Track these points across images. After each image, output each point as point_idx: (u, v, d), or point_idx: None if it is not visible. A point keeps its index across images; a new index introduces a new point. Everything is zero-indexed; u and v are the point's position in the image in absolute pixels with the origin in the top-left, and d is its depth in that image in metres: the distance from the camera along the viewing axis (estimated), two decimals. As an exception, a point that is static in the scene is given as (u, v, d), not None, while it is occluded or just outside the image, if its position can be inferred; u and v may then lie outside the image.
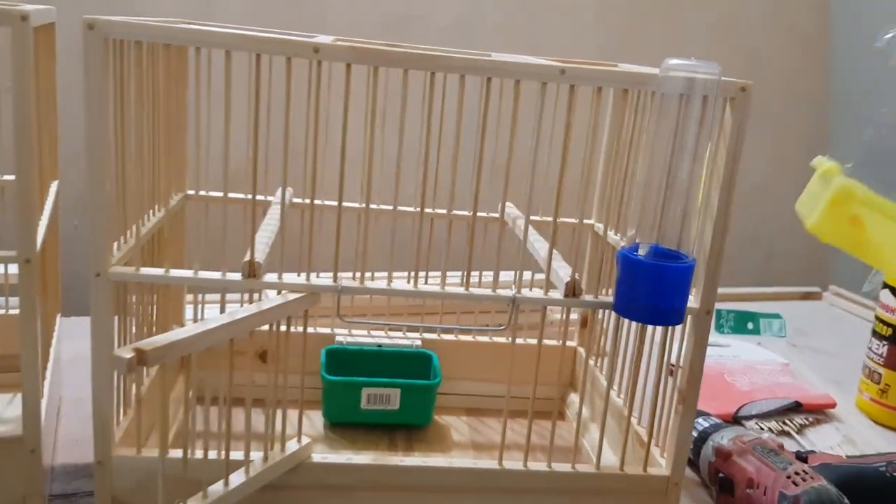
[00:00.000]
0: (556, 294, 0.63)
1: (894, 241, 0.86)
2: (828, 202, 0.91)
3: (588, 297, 0.63)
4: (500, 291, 0.62)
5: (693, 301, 0.63)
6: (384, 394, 0.81)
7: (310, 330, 0.67)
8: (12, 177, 0.58)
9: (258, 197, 0.78)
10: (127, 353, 0.46)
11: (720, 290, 1.38)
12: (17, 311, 0.78)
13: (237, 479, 0.58)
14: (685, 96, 0.56)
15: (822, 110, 1.79)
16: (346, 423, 0.83)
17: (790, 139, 1.73)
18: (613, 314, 0.73)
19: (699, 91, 0.56)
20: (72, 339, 0.87)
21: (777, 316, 1.26)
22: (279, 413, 0.68)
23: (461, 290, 0.62)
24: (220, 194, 0.80)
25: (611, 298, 0.62)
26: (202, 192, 0.80)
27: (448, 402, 0.89)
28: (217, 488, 0.56)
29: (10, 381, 0.80)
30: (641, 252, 0.59)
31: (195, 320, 0.68)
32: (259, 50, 0.54)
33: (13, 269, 0.90)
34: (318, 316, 0.90)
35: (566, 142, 0.61)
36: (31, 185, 0.57)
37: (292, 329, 0.60)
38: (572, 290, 0.62)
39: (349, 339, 0.87)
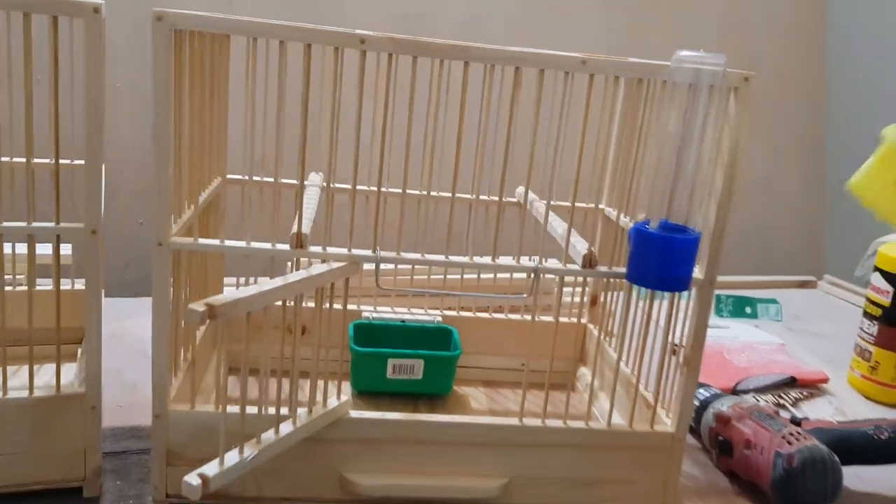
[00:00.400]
0: (574, 266, 0.69)
1: None
2: (875, 160, 0.85)
3: (603, 268, 0.69)
4: (523, 261, 0.68)
5: (698, 272, 0.69)
6: (408, 364, 0.87)
7: (338, 307, 0.73)
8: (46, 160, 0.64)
9: (291, 181, 0.84)
10: (200, 307, 0.52)
11: (721, 279, 1.45)
12: (50, 287, 0.84)
13: (286, 429, 0.63)
14: (693, 86, 0.63)
15: (820, 109, 1.85)
16: (373, 392, 0.89)
17: (789, 137, 1.80)
18: (621, 295, 0.80)
19: (706, 81, 0.62)
20: (106, 319, 0.92)
21: (774, 301, 1.32)
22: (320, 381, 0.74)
23: (488, 260, 0.68)
24: (258, 178, 0.86)
25: (624, 270, 0.68)
26: (244, 177, 0.86)
27: (467, 374, 0.95)
28: (269, 436, 0.62)
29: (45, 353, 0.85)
30: (652, 226, 0.65)
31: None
32: (310, 40, 0.60)
33: (65, 249, 0.96)
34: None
35: (584, 129, 0.67)
36: (97, 165, 0.63)
37: (325, 307, 0.65)
38: (589, 262, 0.68)
39: (375, 315, 0.93)
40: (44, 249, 0.90)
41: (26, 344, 0.65)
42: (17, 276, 0.93)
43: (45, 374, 0.82)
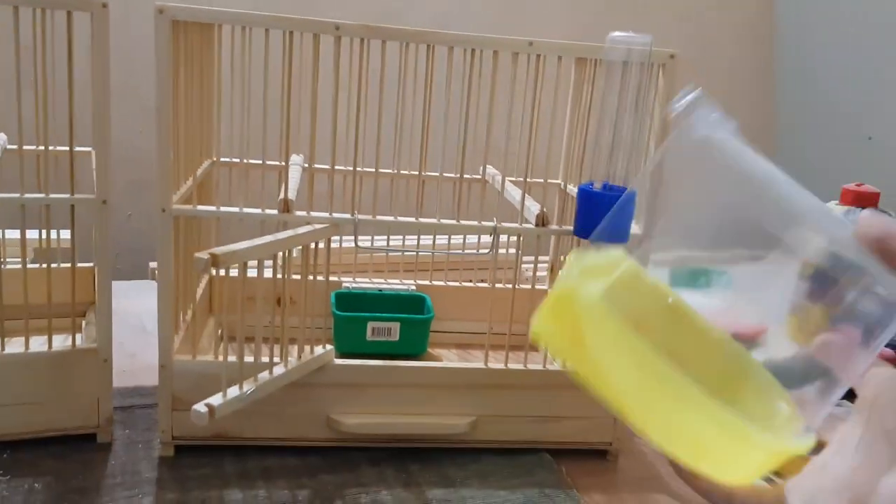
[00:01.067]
0: (529, 225, 0.78)
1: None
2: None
3: (554, 227, 0.78)
4: (484, 223, 0.77)
5: (636, 227, 0.79)
6: (386, 327, 0.96)
7: (319, 278, 0.81)
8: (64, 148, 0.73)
9: (274, 162, 0.93)
10: (204, 256, 0.61)
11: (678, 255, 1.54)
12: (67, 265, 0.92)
13: (278, 370, 0.72)
14: (626, 63, 0.72)
15: (767, 95, 1.96)
16: (354, 353, 0.97)
17: (737, 122, 1.90)
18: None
19: (637, 59, 0.72)
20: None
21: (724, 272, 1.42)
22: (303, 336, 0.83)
23: (453, 222, 0.77)
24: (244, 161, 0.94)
25: (570, 228, 0.78)
26: (230, 160, 0.95)
27: (439, 338, 1.04)
28: (264, 375, 0.71)
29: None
30: (596, 187, 0.75)
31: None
32: (292, 28, 0.69)
33: (65, 234, 1.04)
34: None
35: (534, 107, 0.76)
36: (106, 145, 0.72)
37: (310, 278, 0.74)
38: (542, 221, 0.77)
39: (354, 285, 1.02)
40: (33, 235, 0.98)
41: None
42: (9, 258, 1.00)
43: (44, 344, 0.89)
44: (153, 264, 1.26)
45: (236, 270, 0.68)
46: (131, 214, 1.45)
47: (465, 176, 1.00)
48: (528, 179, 0.80)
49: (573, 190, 0.94)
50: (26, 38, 0.69)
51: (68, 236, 1.03)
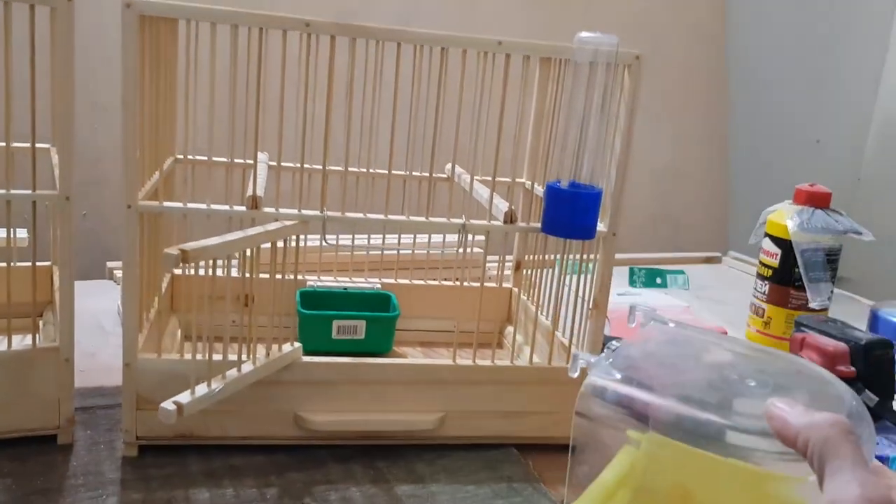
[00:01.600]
0: (497, 222, 0.79)
1: None
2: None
3: (522, 224, 0.79)
4: (453, 220, 0.78)
5: (602, 226, 0.80)
6: (352, 325, 0.96)
7: (289, 277, 0.81)
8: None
9: (238, 160, 0.92)
10: (174, 251, 0.60)
11: (635, 256, 1.57)
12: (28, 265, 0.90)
13: (246, 368, 0.72)
14: (593, 63, 0.73)
15: (721, 99, 2.00)
16: (320, 351, 0.97)
17: (693, 127, 1.94)
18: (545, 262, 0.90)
19: (603, 59, 0.73)
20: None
21: (681, 272, 1.45)
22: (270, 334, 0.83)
23: (422, 219, 0.78)
24: (205, 158, 0.93)
25: (537, 225, 0.78)
26: (191, 157, 0.94)
27: (402, 336, 1.04)
28: (232, 373, 0.70)
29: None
30: (563, 185, 0.75)
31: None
32: (261, 24, 0.69)
33: (22, 233, 1.02)
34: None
35: (502, 105, 0.77)
36: (69, 140, 0.71)
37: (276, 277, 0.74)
38: (510, 218, 0.78)
39: (318, 283, 1.02)
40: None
41: None
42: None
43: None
44: (111, 264, 1.24)
45: (201, 269, 0.67)
46: (86, 213, 1.43)
47: (432, 175, 1.01)
48: (494, 179, 0.80)
49: (538, 189, 0.95)
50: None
51: (22, 234, 1.02)
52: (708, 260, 1.68)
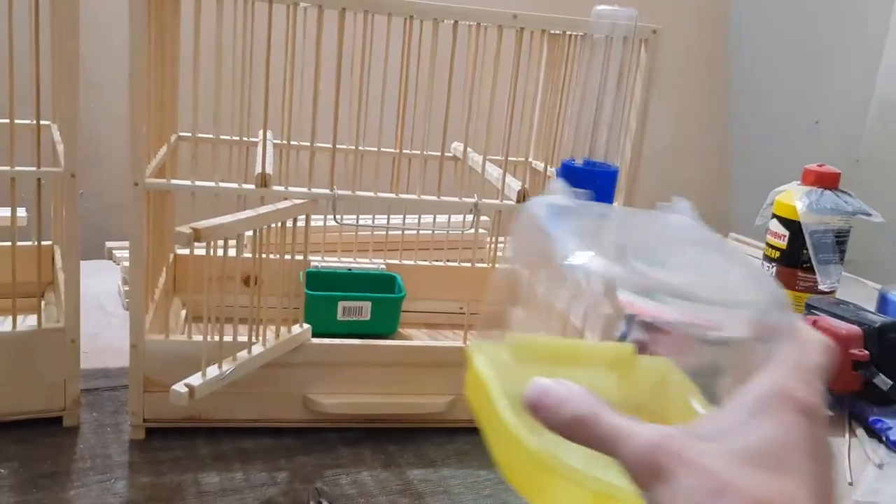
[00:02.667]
0: (509, 202, 0.77)
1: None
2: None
3: (535, 203, 0.77)
4: (465, 199, 0.76)
5: (617, 202, 0.79)
6: (357, 306, 0.94)
7: (287, 257, 0.79)
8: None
9: (243, 138, 0.90)
10: (186, 230, 0.58)
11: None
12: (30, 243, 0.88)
13: (257, 349, 0.70)
14: (609, 38, 0.72)
15: (721, 77, 1.99)
16: (325, 333, 0.95)
17: (693, 106, 1.93)
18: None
19: (621, 33, 0.72)
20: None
21: (685, 253, 1.44)
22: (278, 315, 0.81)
23: (434, 198, 0.76)
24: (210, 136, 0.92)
25: (553, 205, 0.77)
26: (195, 134, 0.92)
27: (410, 318, 1.03)
28: (242, 355, 0.69)
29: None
30: (577, 163, 0.74)
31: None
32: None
33: (21, 212, 1.00)
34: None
35: (514, 81, 0.75)
36: (74, 117, 0.69)
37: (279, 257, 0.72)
38: (522, 196, 0.76)
39: (323, 264, 1.00)
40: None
41: None
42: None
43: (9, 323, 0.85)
44: (110, 244, 1.22)
45: (203, 249, 0.65)
46: (83, 192, 1.40)
47: (438, 153, 1.00)
48: (506, 157, 0.79)
49: (540, 165, 0.94)
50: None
51: (21, 213, 1.00)
52: (710, 241, 1.68)
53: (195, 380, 0.64)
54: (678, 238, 0.48)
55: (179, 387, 0.62)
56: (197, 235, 0.59)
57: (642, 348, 0.47)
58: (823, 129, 1.97)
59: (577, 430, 0.38)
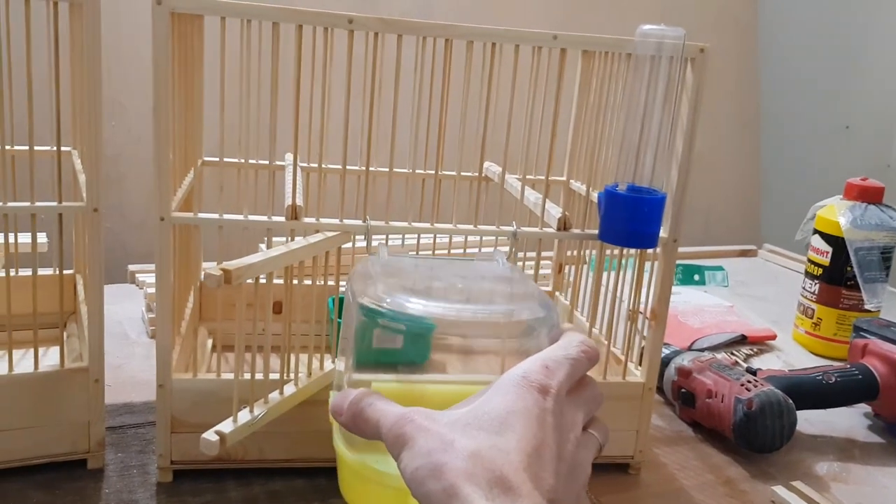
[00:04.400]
0: (550, 229, 0.74)
1: None
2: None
3: (577, 231, 0.74)
4: (503, 227, 0.73)
5: (662, 231, 0.75)
6: (391, 336, 0.91)
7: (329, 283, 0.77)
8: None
9: (265, 162, 0.87)
10: (216, 272, 0.55)
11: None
12: (50, 272, 0.86)
13: (289, 390, 0.67)
14: (655, 57, 0.68)
15: (753, 86, 1.94)
16: (356, 361, 0.92)
17: (724, 115, 1.88)
18: (575, 265, 0.86)
19: (667, 53, 0.68)
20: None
21: (720, 268, 1.40)
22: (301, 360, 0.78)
23: (470, 226, 0.73)
24: (234, 160, 0.89)
25: (594, 232, 0.73)
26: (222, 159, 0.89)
27: (441, 343, 0.99)
28: (274, 396, 0.66)
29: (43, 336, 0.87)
30: (621, 189, 0.70)
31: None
32: (302, 21, 0.64)
33: (41, 237, 0.97)
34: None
35: (557, 103, 0.72)
36: (98, 148, 0.66)
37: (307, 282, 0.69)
38: (563, 225, 0.73)
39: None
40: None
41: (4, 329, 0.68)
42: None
43: (31, 358, 0.82)
44: (133, 267, 1.19)
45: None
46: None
47: (469, 174, 0.96)
48: (548, 183, 0.75)
49: (578, 187, 0.90)
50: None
51: (41, 239, 0.98)
52: (743, 253, 1.63)
53: (226, 426, 0.61)
54: (475, 275, 0.66)
55: (210, 435, 0.59)
56: (227, 277, 0.56)
57: None
58: (853, 134, 1.92)
59: (357, 422, 0.48)
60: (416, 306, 0.58)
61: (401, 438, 0.44)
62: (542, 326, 0.58)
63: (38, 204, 0.66)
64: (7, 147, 0.78)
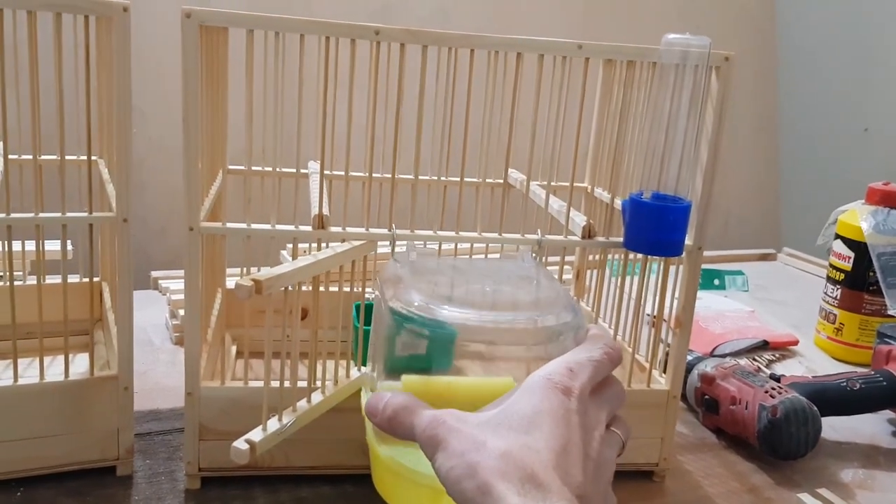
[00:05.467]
0: (574, 237, 0.74)
1: None
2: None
3: (601, 239, 0.74)
4: (528, 235, 0.73)
5: (687, 239, 0.75)
6: (414, 342, 0.91)
7: (337, 288, 0.77)
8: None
9: (288, 169, 0.88)
10: (247, 282, 0.56)
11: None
12: (77, 279, 0.87)
13: (317, 398, 0.68)
14: (680, 66, 0.68)
15: (771, 89, 1.94)
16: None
17: (742, 118, 1.88)
18: (598, 270, 0.86)
19: (693, 61, 0.68)
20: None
21: (740, 273, 1.39)
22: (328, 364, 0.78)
23: (495, 234, 0.73)
24: (259, 168, 0.89)
25: (618, 239, 0.74)
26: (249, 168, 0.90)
27: (464, 350, 1.00)
28: (302, 404, 0.66)
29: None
30: (646, 197, 0.71)
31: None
32: (328, 33, 0.65)
33: (52, 245, 0.98)
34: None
35: (580, 112, 0.72)
36: (127, 158, 0.67)
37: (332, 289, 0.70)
38: (588, 233, 0.73)
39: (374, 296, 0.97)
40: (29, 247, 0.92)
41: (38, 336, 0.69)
42: (16, 273, 0.95)
43: (58, 366, 0.82)
44: (156, 273, 1.20)
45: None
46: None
47: (491, 181, 0.96)
48: (571, 191, 0.75)
49: (600, 194, 0.90)
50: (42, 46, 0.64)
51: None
52: (763, 257, 1.63)
53: (256, 435, 0.61)
54: (501, 276, 0.67)
55: (240, 444, 0.60)
56: (258, 288, 0.56)
57: None
58: (872, 136, 1.91)
59: (394, 425, 0.50)
60: (446, 312, 0.62)
61: (434, 440, 0.46)
62: (569, 331, 0.59)
63: (69, 214, 0.67)
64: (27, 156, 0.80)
